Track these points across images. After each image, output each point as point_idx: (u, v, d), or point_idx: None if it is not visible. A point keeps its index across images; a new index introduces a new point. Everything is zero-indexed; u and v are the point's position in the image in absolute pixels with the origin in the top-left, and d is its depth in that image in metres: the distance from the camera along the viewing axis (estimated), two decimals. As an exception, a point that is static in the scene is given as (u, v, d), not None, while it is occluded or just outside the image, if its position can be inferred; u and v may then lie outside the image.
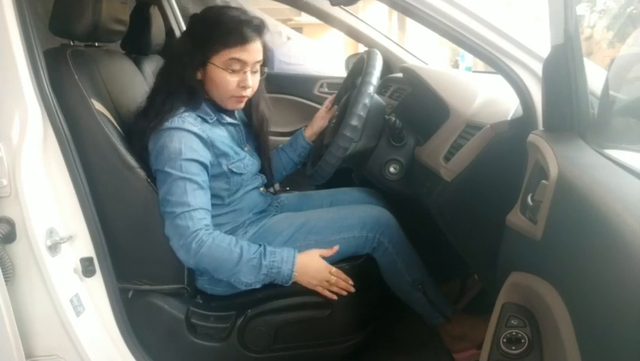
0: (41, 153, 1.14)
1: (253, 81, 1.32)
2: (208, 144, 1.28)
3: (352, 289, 1.33)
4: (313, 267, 1.31)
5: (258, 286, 1.29)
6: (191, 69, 1.28)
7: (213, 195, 1.32)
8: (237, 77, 1.29)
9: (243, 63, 1.27)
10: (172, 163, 1.22)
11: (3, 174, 1.09)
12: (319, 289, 1.31)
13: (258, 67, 1.33)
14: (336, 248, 1.34)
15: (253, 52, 1.28)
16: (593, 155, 0.81)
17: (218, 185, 1.34)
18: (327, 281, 1.31)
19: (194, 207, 1.22)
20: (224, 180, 1.35)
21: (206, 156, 1.27)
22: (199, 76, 1.30)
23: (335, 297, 1.32)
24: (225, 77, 1.28)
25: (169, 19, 2.26)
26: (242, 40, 1.25)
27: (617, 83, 0.92)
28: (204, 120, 1.30)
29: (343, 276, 1.33)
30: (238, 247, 1.25)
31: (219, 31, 1.26)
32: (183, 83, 1.28)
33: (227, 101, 1.34)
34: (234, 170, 1.35)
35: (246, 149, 1.45)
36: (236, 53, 1.26)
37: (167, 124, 1.24)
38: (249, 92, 1.33)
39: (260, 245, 1.28)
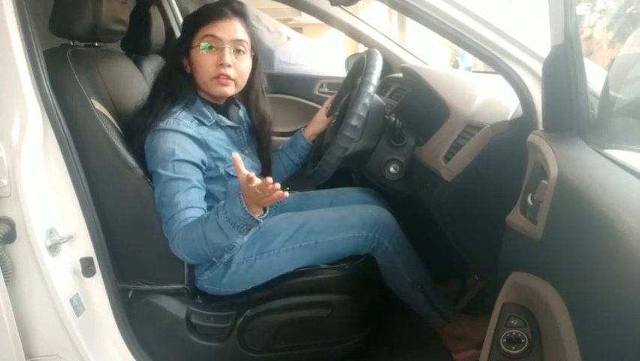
0: (41, 153, 1.14)
1: (235, 63, 1.30)
2: (203, 145, 1.28)
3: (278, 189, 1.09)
4: (251, 199, 1.13)
5: (240, 240, 1.29)
6: (178, 59, 1.32)
7: (210, 197, 1.32)
8: (215, 55, 1.29)
9: (218, 40, 1.28)
10: (164, 164, 1.23)
11: (3, 174, 1.09)
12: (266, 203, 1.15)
13: (242, 48, 1.31)
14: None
15: (228, 29, 1.29)
16: (593, 155, 0.81)
17: (216, 187, 1.34)
18: (262, 199, 1.12)
19: (184, 207, 1.22)
20: (221, 182, 1.34)
21: (199, 156, 1.27)
22: (186, 66, 1.33)
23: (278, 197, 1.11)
24: (202, 57, 1.29)
25: (169, 19, 2.26)
26: (213, 17, 1.29)
27: (617, 83, 0.92)
28: (201, 123, 1.30)
29: (262, 185, 1.09)
30: (202, 219, 1.19)
31: (197, 15, 1.32)
32: (173, 76, 1.31)
33: (211, 85, 1.31)
34: (231, 173, 1.34)
35: (246, 152, 1.44)
36: (209, 29, 1.28)
37: (162, 125, 1.24)
38: (230, 72, 1.29)
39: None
